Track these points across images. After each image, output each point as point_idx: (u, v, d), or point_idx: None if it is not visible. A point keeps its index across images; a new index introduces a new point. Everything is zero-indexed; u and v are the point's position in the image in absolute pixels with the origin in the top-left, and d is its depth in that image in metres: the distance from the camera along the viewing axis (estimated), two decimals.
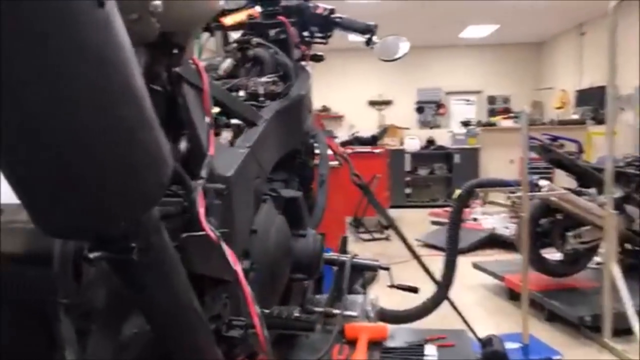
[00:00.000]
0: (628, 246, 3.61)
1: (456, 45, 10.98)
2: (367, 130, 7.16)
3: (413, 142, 7.52)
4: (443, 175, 7.62)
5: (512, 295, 3.52)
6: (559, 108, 9.78)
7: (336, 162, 4.31)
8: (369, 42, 1.51)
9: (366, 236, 5.39)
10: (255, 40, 1.29)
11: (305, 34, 1.46)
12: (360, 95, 10.63)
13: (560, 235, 3.35)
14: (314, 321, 0.76)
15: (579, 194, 3.41)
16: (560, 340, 2.93)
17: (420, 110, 8.95)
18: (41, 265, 0.47)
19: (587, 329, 2.92)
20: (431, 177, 7.63)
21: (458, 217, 2.91)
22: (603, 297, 2.80)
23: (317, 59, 1.51)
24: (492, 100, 11.35)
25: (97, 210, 0.39)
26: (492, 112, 11.15)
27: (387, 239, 5.43)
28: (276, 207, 0.94)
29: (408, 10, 7.90)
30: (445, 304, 2.13)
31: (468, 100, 11.44)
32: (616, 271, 2.80)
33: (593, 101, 8.07)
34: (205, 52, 1.54)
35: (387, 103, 11.19)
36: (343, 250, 1.77)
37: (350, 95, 10.35)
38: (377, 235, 5.40)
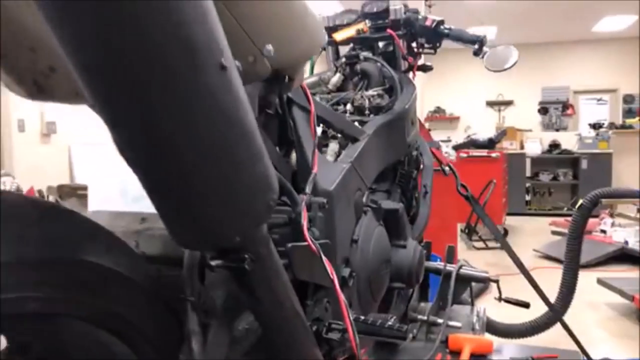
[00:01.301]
0: None
1: (587, 39, 10.12)
2: (485, 132, 6.89)
3: (534, 145, 7.09)
4: (568, 182, 7.08)
5: None
6: None
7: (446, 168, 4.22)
8: (477, 53, 1.50)
9: (479, 244, 5.19)
10: (363, 54, 1.34)
11: (414, 45, 1.49)
12: (478, 95, 10.23)
13: None
14: (407, 330, 0.79)
15: None
16: None
17: (543, 111, 8.39)
18: (173, 267, 0.57)
19: None
20: (554, 183, 7.13)
21: (579, 231, 2.72)
22: None
23: (426, 69, 1.53)
24: (629, 99, 10.28)
25: (216, 228, 0.47)
26: (629, 113, 10.11)
27: (501, 248, 5.20)
28: (376, 219, 0.98)
29: (533, 4, 7.47)
30: (570, 325, 2.02)
31: (600, 100, 10.47)
32: None
33: None
34: (319, 65, 1.62)
35: (507, 104, 10.65)
36: (449, 259, 1.76)
37: (466, 95, 10.01)
38: (491, 244, 5.19)
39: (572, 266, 2.68)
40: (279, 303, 0.59)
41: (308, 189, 0.68)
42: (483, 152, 5.68)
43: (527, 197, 7.15)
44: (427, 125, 8.51)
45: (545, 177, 7.10)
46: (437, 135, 9.10)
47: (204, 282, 0.55)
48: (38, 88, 0.61)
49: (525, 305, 1.83)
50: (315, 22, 0.68)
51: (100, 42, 0.37)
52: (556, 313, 2.07)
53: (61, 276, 0.49)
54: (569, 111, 9.74)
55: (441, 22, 1.43)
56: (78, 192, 3.06)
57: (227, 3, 0.51)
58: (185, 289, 0.55)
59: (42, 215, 0.51)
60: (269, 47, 0.56)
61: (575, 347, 1.92)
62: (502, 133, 6.08)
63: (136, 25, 0.36)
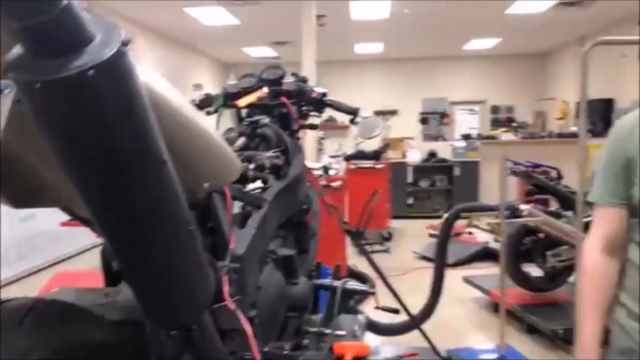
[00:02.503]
0: None
1: (461, 56, 11.28)
2: (372, 142, 7.45)
3: (414, 154, 7.84)
4: (444, 187, 7.93)
5: (497, 309, 3.83)
6: (560, 119, 10.03)
7: (338, 183, 4.60)
8: (352, 121, 1.86)
9: (366, 249, 5.68)
10: (263, 121, 1.64)
11: (304, 108, 1.81)
12: (367, 104, 10.89)
13: (541, 253, 3.67)
14: (297, 356, 1.09)
15: (558, 216, 3.73)
16: (536, 351, 3.25)
17: (424, 120, 9.24)
18: (136, 331, 0.82)
19: (561, 340, 3.24)
20: (432, 188, 7.94)
21: (444, 242, 3.26)
22: (575, 312, 3.12)
23: (313, 127, 1.87)
24: (495, 110, 11.65)
25: (177, 315, 0.74)
26: (496, 122, 11.44)
27: (387, 251, 5.76)
28: (275, 265, 1.28)
29: (414, 24, 8.22)
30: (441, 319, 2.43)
31: (472, 110, 11.73)
32: None
33: (594, 114, 8.28)
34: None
35: (392, 113, 11.51)
36: (336, 276, 2.10)
37: (357, 104, 10.64)
38: (377, 248, 5.71)
39: (439, 269, 3.21)
40: (214, 354, 0.87)
41: (227, 262, 0.96)
42: (370, 163, 6.22)
43: (410, 201, 7.88)
44: (321, 134, 8.98)
45: (424, 183, 7.89)
46: (330, 144, 9.63)
47: (162, 343, 0.81)
48: (23, 200, 0.83)
49: (395, 311, 2.23)
50: (233, 155, 0.96)
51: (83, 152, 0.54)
52: (414, 321, 2.49)
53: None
54: (446, 120, 10.72)
55: (324, 95, 1.76)
56: None
57: (175, 156, 0.77)
58: (149, 349, 0.80)
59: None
60: (206, 185, 0.84)
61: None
62: (386, 145, 6.68)
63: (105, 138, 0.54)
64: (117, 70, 0.51)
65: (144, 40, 7.43)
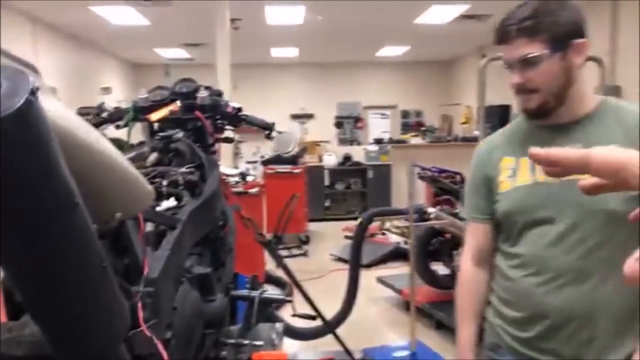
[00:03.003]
0: None
1: (374, 62, 11.68)
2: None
3: (330, 158, 8.02)
4: (358, 190, 8.18)
5: (408, 307, 4.03)
6: (464, 123, 10.71)
7: (256, 190, 4.59)
8: (268, 136, 1.90)
9: (285, 253, 5.65)
10: (177, 136, 1.63)
11: (218, 122, 1.81)
12: (284, 108, 10.97)
13: (448, 253, 3.92)
14: None
15: (462, 218, 4.00)
16: (444, 345, 3.47)
17: (339, 124, 9.46)
18: None
19: None
20: (347, 191, 8.17)
21: (360, 244, 3.38)
22: None
23: (228, 140, 1.88)
24: (405, 114, 12.18)
25: (84, 350, 0.73)
26: (406, 126, 11.97)
27: (305, 254, 5.85)
28: (191, 284, 1.28)
29: (328, 30, 8.40)
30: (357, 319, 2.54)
31: (384, 115, 12.19)
32: None
33: (493, 119, 8.92)
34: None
35: (309, 117, 11.67)
36: (254, 286, 2.13)
37: (274, 108, 10.69)
38: (295, 252, 5.78)
39: (354, 272, 3.33)
40: None
41: (141, 288, 0.96)
42: (287, 168, 6.28)
43: (327, 204, 8.05)
44: (238, 137, 8.91)
45: (340, 186, 8.10)
46: (247, 148, 9.57)
47: None
48: None
49: (312, 317, 2.30)
50: (145, 182, 0.96)
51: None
52: (329, 325, 2.58)
53: None
54: (360, 124, 11.02)
55: (239, 110, 1.78)
56: None
57: (85, 186, 0.76)
58: None
59: None
60: (119, 215, 0.83)
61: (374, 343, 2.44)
62: (303, 150, 6.78)
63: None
64: (26, 120, 0.51)
65: (47, 41, 6.97)
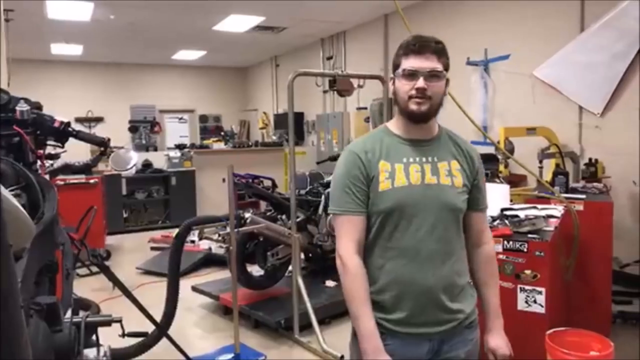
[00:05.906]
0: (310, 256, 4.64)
1: (170, 65, 11.34)
2: (82, 153, 6.74)
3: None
4: (161, 198, 7.87)
5: (226, 311, 4.10)
6: (262, 128, 11.17)
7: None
8: (103, 153, 1.78)
9: (83, 271, 4.97)
10: None
11: (41, 137, 1.63)
12: (67, 109, 9.91)
13: (262, 254, 4.09)
14: None
15: (274, 219, 4.23)
16: (264, 343, 3.62)
17: (134, 129, 8.92)
18: None
19: (283, 329, 3.69)
20: (149, 200, 7.79)
21: (178, 254, 3.32)
22: (292, 302, 3.61)
23: (53, 157, 1.70)
24: (204, 119, 12.13)
25: None
26: (205, 131, 11.92)
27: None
28: (40, 316, 1.15)
29: (120, 30, 7.91)
30: (176, 330, 2.50)
31: (182, 119, 11.94)
32: (300, 280, 3.62)
33: (286, 125, 9.48)
34: None
35: (97, 120, 10.77)
36: (76, 311, 1.96)
37: (58, 111, 9.59)
38: (95, 269, 5.30)
39: (173, 284, 3.25)
40: None
41: None
42: (81, 179, 5.73)
43: (125, 215, 7.55)
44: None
45: (140, 195, 7.66)
46: None
47: None
48: None
49: (144, 334, 2.21)
50: (25, 215, 0.86)
51: None
52: (161, 329, 2.54)
53: None
54: (156, 129, 10.56)
55: (68, 125, 1.63)
56: None
57: None
58: None
59: None
60: (27, 245, 0.74)
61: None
62: (98, 158, 6.25)
63: None
64: None
65: None
